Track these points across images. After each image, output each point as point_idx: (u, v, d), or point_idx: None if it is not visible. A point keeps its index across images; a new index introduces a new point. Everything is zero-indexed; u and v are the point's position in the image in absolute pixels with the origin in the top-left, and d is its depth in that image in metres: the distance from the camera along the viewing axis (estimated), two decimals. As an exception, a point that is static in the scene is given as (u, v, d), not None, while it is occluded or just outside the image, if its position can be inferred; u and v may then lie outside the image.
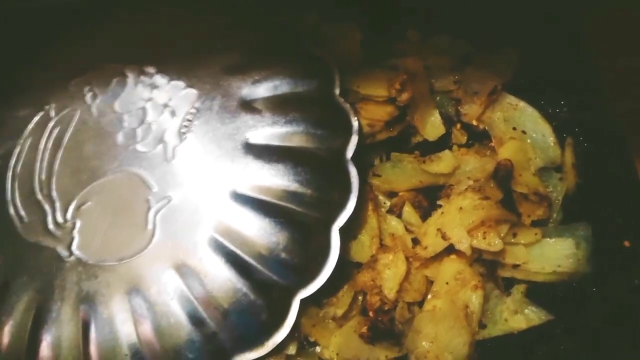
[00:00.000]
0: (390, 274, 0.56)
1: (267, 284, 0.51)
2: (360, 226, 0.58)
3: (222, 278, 0.50)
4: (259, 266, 0.51)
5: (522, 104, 0.61)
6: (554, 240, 0.56)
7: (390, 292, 0.55)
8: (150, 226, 0.51)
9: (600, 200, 0.58)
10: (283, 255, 0.51)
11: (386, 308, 0.55)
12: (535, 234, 0.56)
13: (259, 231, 0.51)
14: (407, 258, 0.56)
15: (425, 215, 0.59)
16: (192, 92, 0.55)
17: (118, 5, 0.61)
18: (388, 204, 0.60)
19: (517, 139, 0.60)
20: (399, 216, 0.59)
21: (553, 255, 0.55)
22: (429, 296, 0.56)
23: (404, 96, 0.60)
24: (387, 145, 0.62)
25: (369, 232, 0.58)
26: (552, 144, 0.59)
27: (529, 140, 0.60)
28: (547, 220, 0.58)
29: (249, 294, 0.50)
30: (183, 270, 0.50)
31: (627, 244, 0.56)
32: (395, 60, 0.62)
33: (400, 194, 0.60)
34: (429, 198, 0.60)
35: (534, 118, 0.60)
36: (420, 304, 0.56)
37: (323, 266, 0.53)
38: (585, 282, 0.55)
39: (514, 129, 0.60)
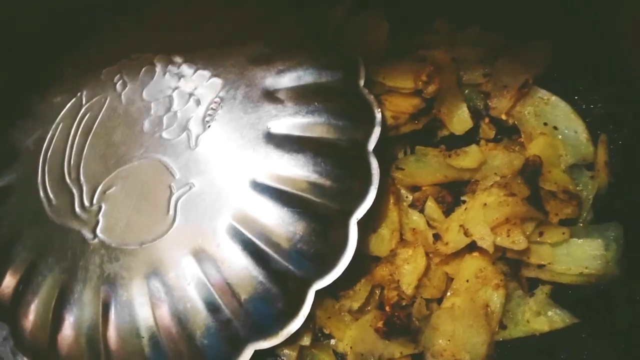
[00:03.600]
0: (409, 269, 0.55)
1: (283, 274, 0.51)
2: (380, 220, 0.57)
3: (238, 266, 0.50)
4: (275, 255, 0.51)
5: (554, 98, 0.58)
6: (582, 240, 0.54)
7: (408, 287, 0.54)
8: (171, 212, 0.52)
9: (633, 201, 0.55)
10: (300, 245, 0.51)
11: (403, 304, 0.55)
12: (563, 233, 0.54)
13: (277, 220, 0.51)
14: (427, 254, 0.55)
15: (448, 211, 0.58)
16: (217, 81, 0.56)
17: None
18: (410, 198, 0.59)
19: (548, 135, 0.57)
20: (422, 211, 0.58)
21: (580, 255, 0.53)
22: (448, 293, 0.55)
23: (431, 88, 0.58)
24: (412, 139, 0.61)
25: (389, 226, 0.57)
26: (584, 140, 0.57)
27: (560, 137, 0.57)
28: (576, 219, 0.55)
29: (264, 282, 0.51)
30: (201, 256, 0.51)
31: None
32: (422, 51, 0.60)
33: (424, 188, 0.59)
34: (454, 193, 0.59)
35: (566, 113, 0.58)
36: (439, 301, 0.55)
37: (340, 258, 0.52)
38: (613, 285, 0.53)
39: (545, 124, 0.58)
